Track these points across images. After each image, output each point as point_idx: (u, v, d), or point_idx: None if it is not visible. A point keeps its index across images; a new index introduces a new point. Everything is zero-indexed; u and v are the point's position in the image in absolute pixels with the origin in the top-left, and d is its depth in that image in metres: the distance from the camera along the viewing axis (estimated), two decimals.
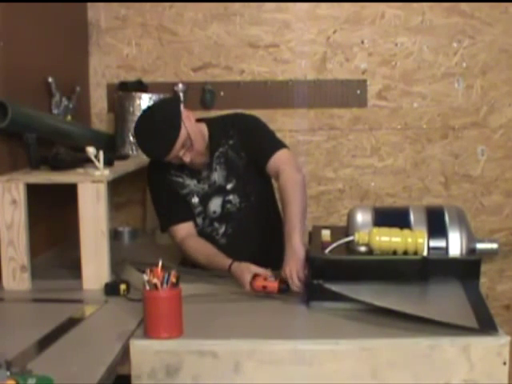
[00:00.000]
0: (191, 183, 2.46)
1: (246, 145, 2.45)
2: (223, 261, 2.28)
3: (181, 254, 2.66)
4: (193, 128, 2.34)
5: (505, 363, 1.70)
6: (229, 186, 2.46)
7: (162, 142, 2.29)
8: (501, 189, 3.29)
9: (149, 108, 2.42)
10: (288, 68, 3.23)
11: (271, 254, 2.40)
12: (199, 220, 2.47)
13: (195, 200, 2.47)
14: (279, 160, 2.37)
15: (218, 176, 2.46)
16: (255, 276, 2.13)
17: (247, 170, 2.46)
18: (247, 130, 2.47)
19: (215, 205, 2.46)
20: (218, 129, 2.47)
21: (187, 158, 2.33)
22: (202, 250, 2.39)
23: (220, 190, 2.46)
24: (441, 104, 3.25)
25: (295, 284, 2.06)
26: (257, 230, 2.52)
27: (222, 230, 2.49)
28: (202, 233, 2.47)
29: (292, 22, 3.21)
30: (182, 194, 2.46)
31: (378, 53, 3.23)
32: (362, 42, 3.22)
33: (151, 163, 2.52)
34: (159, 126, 2.30)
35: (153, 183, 2.53)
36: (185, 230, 2.45)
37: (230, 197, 2.46)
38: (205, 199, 2.46)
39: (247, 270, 2.15)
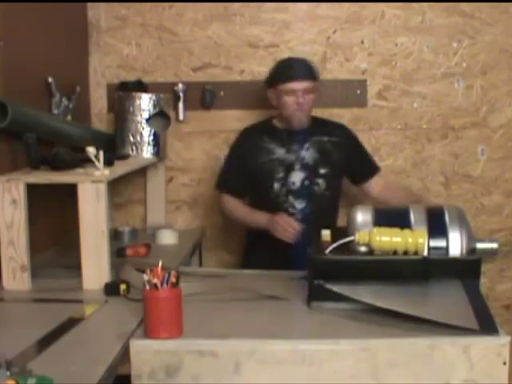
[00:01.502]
0: (280, 151, 2.77)
1: (351, 151, 2.86)
2: (262, 214, 2.64)
3: (181, 254, 2.68)
4: (316, 96, 2.77)
5: (505, 363, 1.70)
6: (321, 171, 2.77)
7: (307, 69, 2.73)
8: (501, 189, 3.29)
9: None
10: None
11: None
12: (277, 185, 2.75)
13: (280, 167, 2.75)
14: (379, 181, 2.93)
15: (308, 155, 2.77)
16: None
17: (346, 168, 2.85)
18: (354, 142, 2.92)
19: (296, 177, 2.75)
20: (321, 124, 2.86)
21: (303, 100, 2.68)
22: (242, 206, 2.79)
23: (306, 168, 2.76)
24: (441, 104, 3.25)
25: None
26: (325, 221, 2.61)
27: (300, 205, 2.75)
28: (275, 202, 2.73)
29: (292, 22, 3.21)
30: (265, 161, 2.75)
31: (377, 53, 3.22)
32: (362, 42, 3.22)
33: (248, 129, 2.87)
34: (309, 62, 2.78)
35: (239, 147, 2.84)
36: (231, 197, 2.80)
37: (319, 180, 2.77)
38: (288, 169, 2.75)
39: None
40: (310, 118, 2.79)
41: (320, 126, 2.85)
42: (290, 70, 2.72)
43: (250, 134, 2.85)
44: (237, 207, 2.79)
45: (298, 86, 2.68)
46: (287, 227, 2.52)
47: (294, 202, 2.74)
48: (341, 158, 2.81)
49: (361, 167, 2.92)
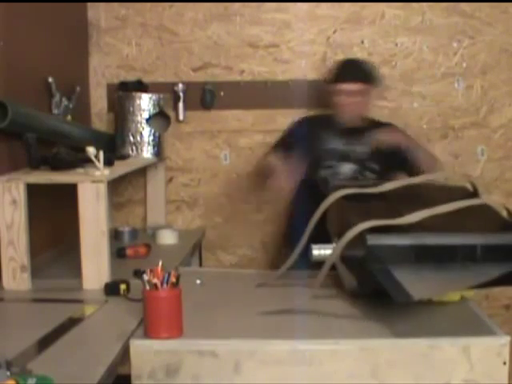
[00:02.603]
0: (338, 143, 2.87)
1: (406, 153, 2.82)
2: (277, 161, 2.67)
3: (181, 254, 2.68)
4: (369, 99, 2.89)
5: (505, 363, 1.70)
6: (373, 166, 2.87)
7: (362, 72, 2.84)
8: (501, 189, 3.29)
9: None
10: (288, 68, 3.23)
11: None
12: (324, 173, 2.83)
13: (332, 156, 2.85)
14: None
15: (362, 150, 2.86)
16: None
17: (396, 167, 2.85)
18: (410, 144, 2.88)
19: (348, 168, 2.86)
20: (375, 123, 2.92)
21: (350, 100, 2.80)
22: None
23: (358, 161, 2.85)
24: (441, 104, 3.25)
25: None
26: None
27: None
28: (321, 182, 2.70)
29: (292, 22, 3.21)
30: (319, 148, 2.84)
31: (378, 53, 3.23)
32: (362, 42, 3.22)
33: (310, 117, 3.03)
34: (367, 65, 2.91)
35: (294, 126, 2.96)
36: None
37: (367, 173, 2.86)
38: (342, 158, 2.85)
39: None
40: (361, 118, 2.89)
41: (375, 124, 2.91)
42: (346, 70, 2.86)
43: (310, 122, 2.98)
44: (272, 160, 2.78)
45: (349, 87, 2.81)
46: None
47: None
48: (393, 158, 2.84)
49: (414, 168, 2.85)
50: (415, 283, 1.80)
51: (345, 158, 2.87)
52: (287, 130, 3.01)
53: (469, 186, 2.31)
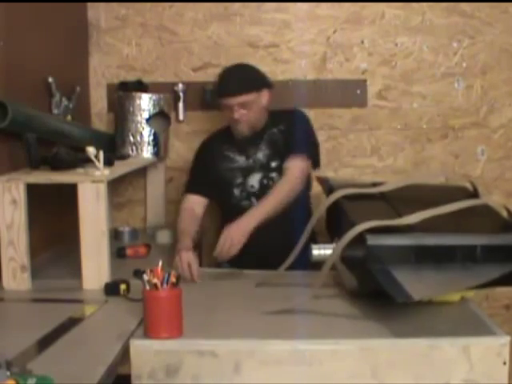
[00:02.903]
0: (240, 159, 2.72)
1: (287, 133, 2.70)
2: (184, 239, 2.49)
3: None
4: (261, 104, 2.65)
5: (505, 363, 1.70)
6: (273, 165, 2.69)
7: (240, 82, 2.61)
8: (501, 189, 3.29)
9: (247, 63, 2.79)
10: (288, 68, 3.23)
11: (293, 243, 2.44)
12: (237, 191, 2.70)
13: (239, 173, 2.71)
14: (294, 165, 2.62)
15: (262, 154, 2.70)
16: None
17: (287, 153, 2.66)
18: (295, 124, 2.73)
19: (254, 179, 2.69)
20: (274, 116, 2.73)
21: (237, 115, 2.60)
22: (186, 221, 2.64)
23: (262, 168, 2.69)
24: (441, 104, 3.25)
25: (223, 251, 2.37)
26: (289, 214, 2.58)
27: None
28: (238, 206, 2.67)
29: (292, 22, 3.21)
30: (226, 169, 2.71)
31: (378, 53, 3.23)
32: (362, 42, 3.22)
33: (208, 139, 2.84)
34: (244, 73, 2.66)
35: (201, 157, 2.81)
36: (192, 202, 2.72)
37: (273, 174, 2.68)
38: (247, 173, 2.70)
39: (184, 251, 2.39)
40: (259, 124, 2.68)
41: (272, 118, 2.73)
42: (222, 84, 2.65)
43: (210, 143, 2.82)
44: (181, 219, 2.67)
45: (232, 101, 2.59)
46: (184, 267, 2.34)
47: (257, 202, 2.63)
48: (283, 141, 2.70)
49: (286, 144, 2.69)
50: (415, 283, 1.80)
51: (250, 170, 2.70)
52: (193, 159, 2.86)
53: (469, 186, 2.31)
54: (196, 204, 2.73)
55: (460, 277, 1.87)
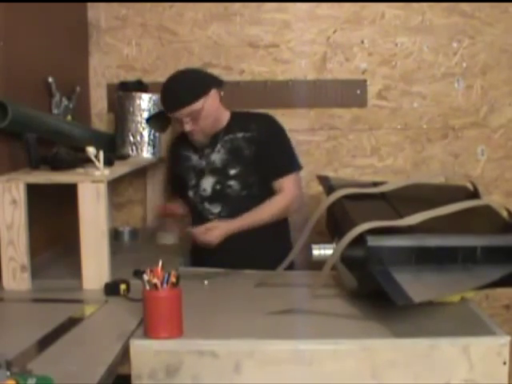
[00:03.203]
0: (194, 158, 2.67)
1: (264, 146, 2.59)
2: None
3: (181, 254, 2.67)
4: (211, 108, 2.54)
5: (505, 363, 1.70)
6: (232, 172, 2.60)
7: (175, 98, 2.50)
8: (501, 189, 3.29)
9: (186, 68, 2.73)
10: (288, 68, 3.23)
11: (265, 251, 2.46)
12: (191, 193, 2.68)
13: (192, 173, 2.67)
14: (285, 185, 2.61)
15: (218, 158, 2.61)
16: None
17: (255, 163, 2.58)
18: (271, 135, 2.63)
19: (207, 183, 2.63)
20: (238, 119, 2.65)
21: (187, 127, 2.53)
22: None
23: (215, 172, 2.61)
24: (441, 104, 3.25)
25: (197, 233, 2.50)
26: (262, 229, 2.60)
27: (216, 210, 2.62)
28: (195, 209, 2.67)
29: (292, 22, 3.21)
30: (183, 168, 2.71)
31: (378, 53, 3.23)
32: (362, 42, 3.22)
33: (174, 139, 2.86)
34: (183, 84, 2.52)
35: (168, 157, 2.93)
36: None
37: (231, 182, 2.60)
38: (199, 175, 2.65)
39: None
40: (215, 128, 2.61)
41: (237, 122, 2.64)
42: (163, 100, 2.57)
43: (175, 143, 2.87)
44: None
45: (178, 115, 2.52)
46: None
47: (210, 207, 2.63)
48: (251, 153, 2.59)
49: (269, 168, 2.61)
50: (415, 285, 1.80)
51: (202, 171, 2.64)
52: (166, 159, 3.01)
53: (469, 186, 2.31)
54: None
55: (461, 278, 1.87)
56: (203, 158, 2.65)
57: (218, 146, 2.61)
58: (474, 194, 2.25)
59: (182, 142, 2.73)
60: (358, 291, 2.01)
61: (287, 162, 2.67)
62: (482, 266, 1.89)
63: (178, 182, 2.78)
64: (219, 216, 2.60)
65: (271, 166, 2.60)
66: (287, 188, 2.61)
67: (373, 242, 1.88)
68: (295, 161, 2.70)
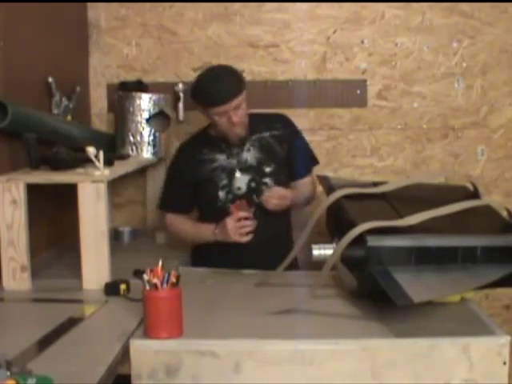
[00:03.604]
0: (221, 158, 2.63)
1: (294, 144, 2.70)
2: (209, 226, 2.56)
3: (181, 254, 2.67)
4: (246, 103, 2.57)
5: (505, 363, 1.70)
6: (267, 169, 2.63)
7: (231, 86, 2.51)
8: (501, 189, 3.29)
9: (219, 65, 2.70)
10: (288, 68, 3.23)
11: (268, 250, 2.46)
12: (222, 194, 2.60)
13: (222, 174, 2.62)
14: (311, 178, 2.75)
15: (250, 156, 2.63)
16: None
17: (286, 161, 2.67)
18: (293, 132, 2.75)
19: (241, 181, 2.61)
20: (259, 119, 2.68)
21: (236, 118, 2.51)
22: (189, 222, 2.68)
23: (250, 170, 2.62)
24: (441, 104, 3.25)
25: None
26: (280, 221, 2.64)
27: (250, 208, 2.58)
28: (223, 208, 2.59)
29: (292, 22, 3.21)
30: (208, 171, 2.62)
31: (378, 53, 3.22)
32: (362, 42, 3.22)
33: (184, 144, 2.74)
34: (229, 77, 2.55)
35: (178, 165, 2.70)
36: (176, 216, 2.71)
37: (267, 179, 2.62)
38: (231, 173, 2.61)
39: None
40: (247, 121, 2.62)
41: (259, 121, 2.68)
42: (215, 93, 2.50)
43: (187, 149, 2.72)
44: (181, 225, 2.69)
45: (228, 107, 2.49)
46: (240, 228, 2.48)
47: None
48: (283, 151, 2.67)
49: (297, 164, 2.72)
50: (415, 285, 1.80)
51: (232, 170, 2.61)
52: (170, 171, 2.77)
53: (469, 186, 2.31)
54: (177, 216, 2.72)
55: (460, 278, 1.87)
56: (232, 157, 2.62)
57: (247, 145, 2.63)
58: (474, 194, 2.25)
59: (194, 148, 2.68)
60: (357, 291, 2.01)
61: (312, 158, 2.79)
62: (482, 266, 1.89)
63: (194, 190, 2.65)
64: (254, 215, 2.57)
65: (300, 163, 2.71)
66: (313, 180, 2.74)
67: (373, 242, 1.88)
68: (314, 156, 2.81)
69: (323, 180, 2.52)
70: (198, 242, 2.65)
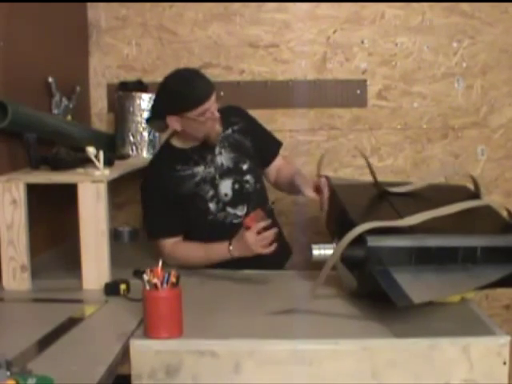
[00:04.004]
0: (200, 169, 2.48)
1: (252, 132, 2.59)
2: (221, 245, 2.33)
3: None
4: None
5: (505, 363, 1.70)
6: (244, 167, 2.52)
7: (206, 82, 2.40)
8: (501, 189, 3.29)
9: (177, 70, 2.50)
10: (288, 68, 3.23)
11: (281, 250, 2.42)
12: (212, 205, 2.47)
13: (206, 185, 2.47)
14: (284, 159, 2.70)
15: (225, 159, 2.51)
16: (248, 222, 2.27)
17: (255, 153, 2.57)
18: (250, 120, 2.63)
19: (225, 187, 2.49)
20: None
21: (216, 112, 2.40)
22: (196, 246, 2.43)
23: (230, 172, 2.50)
24: (441, 104, 3.25)
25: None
26: (275, 220, 2.57)
27: (242, 212, 2.49)
28: (214, 221, 2.47)
29: (292, 22, 3.21)
30: (191, 187, 2.46)
31: (378, 53, 3.22)
32: (362, 42, 3.22)
33: (154, 163, 2.54)
34: (197, 72, 2.45)
35: (155, 185, 2.48)
36: (174, 240, 2.47)
37: (247, 177, 2.52)
38: (214, 182, 2.48)
39: (241, 232, 2.27)
40: None
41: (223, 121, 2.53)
42: (196, 92, 2.37)
43: (159, 168, 2.52)
44: (186, 251, 2.45)
45: (211, 102, 2.38)
46: (261, 240, 2.24)
47: (235, 211, 2.49)
48: (250, 143, 2.58)
49: (267, 146, 2.65)
50: (415, 286, 1.80)
51: (213, 179, 2.48)
52: (148, 194, 2.53)
53: (470, 186, 2.31)
54: (175, 240, 2.48)
55: (460, 279, 1.87)
56: (209, 165, 2.49)
57: (217, 148, 2.50)
58: (475, 194, 2.24)
59: (166, 166, 2.50)
60: (358, 291, 2.01)
61: (275, 139, 2.70)
62: (482, 267, 1.89)
63: (180, 217, 2.48)
64: (246, 217, 2.46)
65: (269, 148, 2.64)
66: (287, 159, 2.71)
67: (373, 242, 1.88)
68: (275, 137, 2.73)
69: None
70: (207, 264, 2.42)
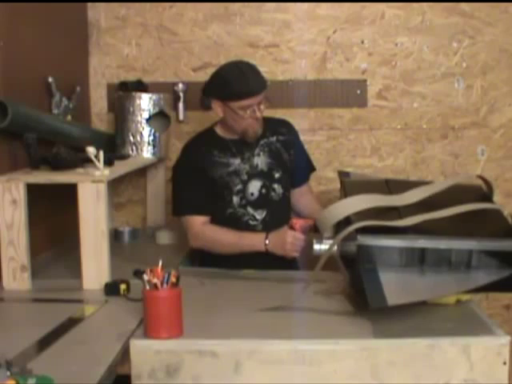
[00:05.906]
0: (235, 162, 2.55)
1: (294, 149, 2.67)
2: (256, 234, 2.44)
3: (181, 254, 2.66)
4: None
5: (505, 363, 1.70)
6: (276, 175, 2.59)
7: (259, 79, 2.46)
8: (501, 189, 3.28)
9: (239, 60, 2.60)
10: (288, 68, 3.23)
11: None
12: (236, 199, 2.54)
13: (236, 179, 2.55)
14: (310, 187, 2.80)
15: (260, 161, 2.58)
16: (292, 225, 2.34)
17: (290, 168, 2.64)
18: (296, 138, 2.74)
19: (254, 187, 2.56)
20: (269, 124, 2.62)
21: (259, 113, 2.46)
22: (228, 230, 2.48)
23: (261, 175, 2.57)
24: (441, 104, 3.25)
25: None
26: (281, 223, 2.54)
27: (261, 216, 2.56)
28: (233, 214, 2.53)
29: (292, 22, 3.21)
30: (224, 174, 2.52)
31: (378, 53, 3.22)
32: (362, 42, 3.22)
33: (191, 143, 2.62)
34: (256, 69, 2.50)
35: (189, 162, 2.55)
36: (203, 220, 2.53)
37: (275, 185, 2.59)
38: (245, 178, 2.55)
39: (284, 229, 2.35)
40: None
41: (265, 125, 2.59)
42: (244, 84, 2.43)
43: (197, 147, 2.59)
44: (216, 235, 2.49)
45: (255, 100, 2.44)
46: (298, 246, 2.35)
47: (254, 212, 2.55)
48: (289, 157, 2.65)
49: (301, 169, 2.72)
50: (397, 288, 1.81)
51: (248, 176, 2.55)
52: (180, 173, 2.58)
53: (484, 187, 2.29)
54: (204, 219, 2.53)
55: (447, 282, 1.88)
56: (244, 162, 2.56)
57: (257, 149, 2.58)
58: (486, 196, 2.21)
59: (204, 147, 2.56)
60: (350, 288, 2.02)
61: (311, 165, 2.80)
62: (475, 270, 1.89)
63: (208, 197, 2.53)
64: (263, 222, 2.55)
65: (302, 172, 2.73)
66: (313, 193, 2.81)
67: (363, 240, 1.89)
68: (312, 162, 2.83)
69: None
70: (235, 252, 2.47)
